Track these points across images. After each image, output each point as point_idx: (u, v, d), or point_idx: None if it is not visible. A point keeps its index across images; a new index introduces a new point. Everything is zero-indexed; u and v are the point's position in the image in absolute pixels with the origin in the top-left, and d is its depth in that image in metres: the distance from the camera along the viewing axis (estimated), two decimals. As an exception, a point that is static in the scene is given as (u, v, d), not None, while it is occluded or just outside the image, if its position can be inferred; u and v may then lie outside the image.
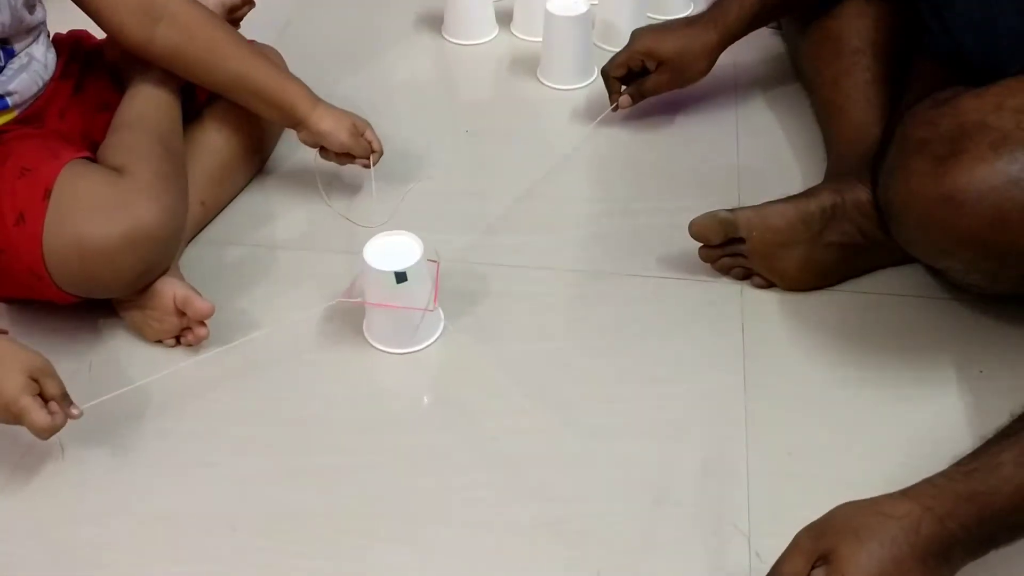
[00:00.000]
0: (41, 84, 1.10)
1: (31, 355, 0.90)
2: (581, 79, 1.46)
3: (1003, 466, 0.76)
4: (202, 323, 1.05)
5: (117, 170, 1.04)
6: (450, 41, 1.56)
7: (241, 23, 1.29)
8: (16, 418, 0.88)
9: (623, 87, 1.32)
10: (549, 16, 1.42)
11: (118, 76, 1.19)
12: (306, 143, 1.20)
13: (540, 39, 1.47)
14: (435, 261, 1.05)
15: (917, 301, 1.11)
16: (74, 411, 0.91)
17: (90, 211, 0.97)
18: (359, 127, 1.19)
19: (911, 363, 1.05)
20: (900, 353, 1.06)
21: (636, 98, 1.32)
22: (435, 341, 1.08)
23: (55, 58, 1.14)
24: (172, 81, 1.16)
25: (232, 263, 1.19)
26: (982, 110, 0.90)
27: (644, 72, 1.29)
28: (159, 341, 1.08)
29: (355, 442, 0.99)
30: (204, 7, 1.15)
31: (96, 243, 0.97)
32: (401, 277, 1.01)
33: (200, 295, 1.04)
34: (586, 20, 1.42)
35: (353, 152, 1.18)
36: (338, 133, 1.17)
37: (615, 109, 1.33)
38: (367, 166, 1.20)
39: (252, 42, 1.19)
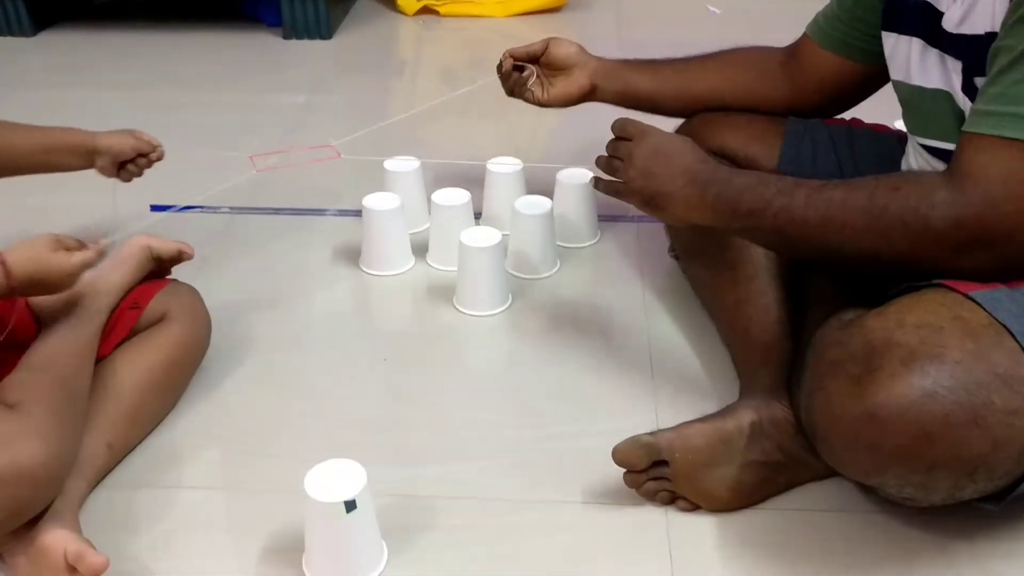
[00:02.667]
0: None
1: (42, 240, 1.08)
2: (496, 306, 1.49)
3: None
4: None
5: (11, 407, 1.00)
6: (368, 273, 1.59)
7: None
8: (72, 273, 1.09)
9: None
10: (463, 247, 1.46)
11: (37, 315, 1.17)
12: (105, 170, 1.40)
13: (455, 268, 1.51)
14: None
15: (843, 516, 1.11)
16: (101, 243, 1.13)
17: None
18: (135, 132, 1.41)
19: (842, 581, 1.04)
20: (829, 570, 1.05)
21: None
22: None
23: None
24: (88, 325, 1.15)
25: (141, 508, 1.13)
26: (887, 328, 0.94)
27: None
28: None
29: None
30: None
31: None
32: (351, 506, 0.98)
33: (94, 548, 0.99)
34: (499, 249, 1.46)
35: (143, 151, 1.41)
36: (124, 140, 1.40)
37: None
38: (159, 158, 1.43)
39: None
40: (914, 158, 1.21)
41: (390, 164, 1.67)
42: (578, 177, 1.63)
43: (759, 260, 1.28)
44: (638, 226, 1.71)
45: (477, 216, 1.65)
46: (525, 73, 1.49)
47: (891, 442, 0.90)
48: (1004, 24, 0.98)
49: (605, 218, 1.70)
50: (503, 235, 1.49)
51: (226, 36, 2.70)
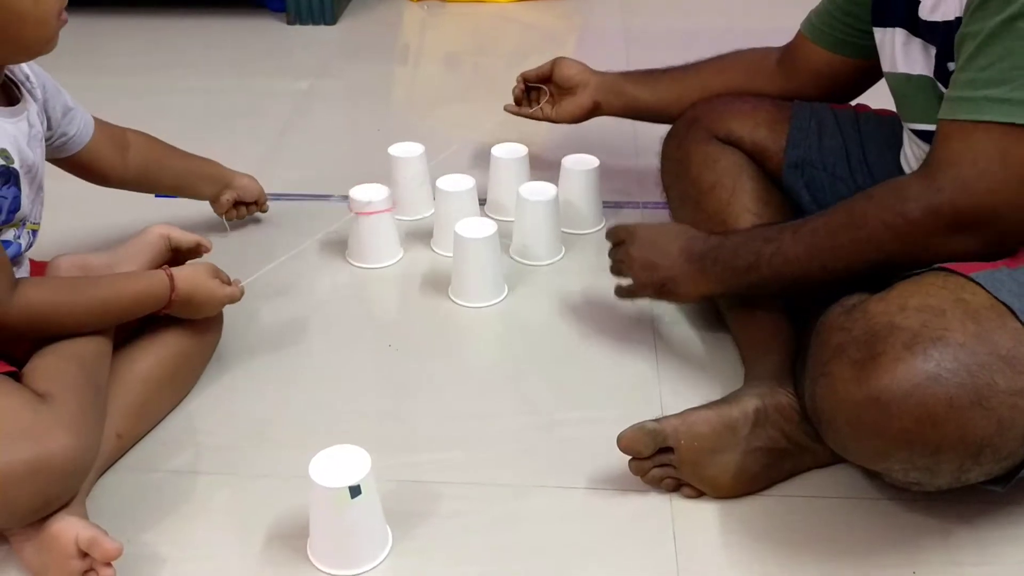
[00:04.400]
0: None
1: (204, 267, 1.22)
2: (490, 298, 1.48)
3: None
4: (108, 563, 0.99)
5: (41, 395, 1.01)
6: (355, 265, 1.57)
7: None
8: (219, 303, 1.24)
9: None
10: (458, 238, 1.44)
11: None
12: (222, 204, 1.57)
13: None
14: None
15: (847, 503, 1.11)
16: (241, 285, 1.27)
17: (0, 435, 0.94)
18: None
19: (844, 566, 1.04)
20: (833, 556, 1.05)
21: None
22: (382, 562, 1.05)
23: None
24: None
25: (148, 492, 1.14)
26: (889, 312, 0.94)
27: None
28: None
29: None
30: (147, 134, 1.47)
31: None
32: (356, 491, 0.98)
33: (107, 534, 0.99)
34: (494, 240, 1.44)
35: (260, 199, 1.61)
36: (254, 185, 1.60)
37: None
38: (265, 210, 1.64)
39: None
40: (908, 145, 1.24)
41: (395, 150, 1.67)
42: (583, 163, 1.63)
43: None
44: (643, 212, 1.71)
45: (482, 202, 1.64)
46: (537, 95, 1.63)
47: (896, 426, 0.90)
48: (967, 9, 1.00)
49: (610, 204, 1.70)
50: (507, 221, 1.48)
51: (230, 21, 2.70)
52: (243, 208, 1.60)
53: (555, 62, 1.61)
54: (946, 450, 0.92)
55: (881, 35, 1.21)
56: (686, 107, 1.47)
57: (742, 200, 1.32)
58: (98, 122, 1.36)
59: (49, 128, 1.25)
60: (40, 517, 0.99)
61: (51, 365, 1.07)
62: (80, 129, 1.32)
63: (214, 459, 1.20)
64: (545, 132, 1.99)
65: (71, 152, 1.32)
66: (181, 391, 1.27)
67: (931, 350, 0.90)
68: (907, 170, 1.24)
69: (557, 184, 1.59)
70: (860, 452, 0.98)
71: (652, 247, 1.22)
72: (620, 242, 1.26)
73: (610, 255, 1.28)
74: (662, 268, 1.20)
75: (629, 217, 1.69)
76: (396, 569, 1.04)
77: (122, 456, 1.17)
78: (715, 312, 1.40)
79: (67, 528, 0.98)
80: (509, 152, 1.66)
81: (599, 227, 1.66)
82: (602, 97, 1.57)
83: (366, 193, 1.52)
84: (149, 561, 1.04)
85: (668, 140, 1.49)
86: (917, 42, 1.13)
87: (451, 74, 2.46)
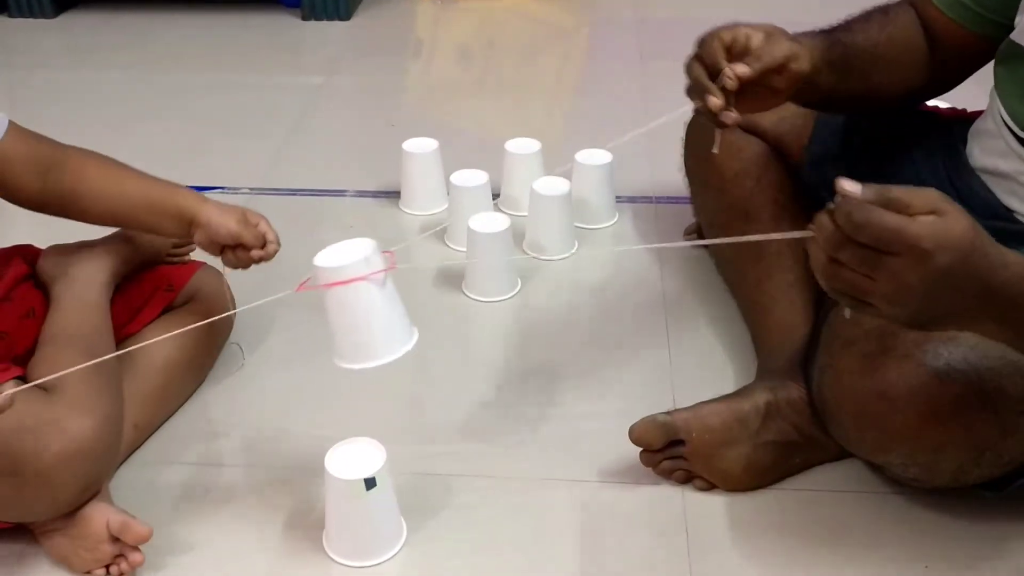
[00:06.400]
0: None
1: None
2: (505, 291, 1.49)
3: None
4: (137, 548, 1.01)
5: (47, 390, 1.02)
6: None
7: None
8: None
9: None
10: (471, 232, 1.45)
11: (44, 286, 1.17)
12: (202, 245, 1.18)
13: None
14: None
15: (857, 496, 1.11)
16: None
17: (20, 432, 0.95)
18: (251, 218, 1.18)
19: (856, 560, 1.04)
20: (844, 550, 1.06)
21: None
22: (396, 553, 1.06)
23: None
24: (96, 285, 1.15)
25: (165, 484, 1.15)
26: None
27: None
28: (87, 573, 1.02)
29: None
30: (101, 157, 1.17)
31: (31, 465, 0.94)
32: (371, 483, 0.99)
33: (135, 518, 1.01)
34: (507, 235, 1.45)
35: (243, 240, 1.16)
36: (226, 221, 1.15)
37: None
38: (263, 257, 1.18)
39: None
40: (1004, 148, 1.06)
41: (409, 145, 1.68)
42: (596, 158, 1.63)
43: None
44: (656, 207, 1.71)
45: (495, 197, 1.65)
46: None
47: (900, 421, 0.91)
48: None
49: (623, 199, 1.71)
50: (521, 216, 1.49)
51: (245, 17, 2.71)
52: (230, 254, 1.18)
53: (769, 36, 1.04)
54: (948, 449, 0.92)
55: None
56: (860, 107, 1.21)
57: (768, 191, 1.30)
58: (22, 131, 1.11)
59: None
60: (86, 499, 1.01)
61: (49, 356, 1.07)
62: None
63: (229, 451, 1.21)
64: (559, 127, 1.99)
65: None
66: (195, 380, 1.28)
67: (941, 349, 0.90)
68: (983, 168, 1.11)
69: (570, 179, 1.59)
70: (862, 444, 0.98)
71: (944, 280, 0.71)
72: (882, 249, 0.70)
73: (846, 256, 0.72)
74: (941, 305, 0.74)
75: (643, 212, 1.70)
76: (411, 560, 1.06)
77: (140, 447, 1.19)
78: (728, 305, 1.40)
79: (97, 513, 1.01)
80: (522, 147, 1.66)
81: (612, 222, 1.67)
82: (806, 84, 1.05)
83: (331, 257, 1.06)
84: (167, 552, 1.06)
85: (691, 126, 1.47)
86: None
87: (464, 69, 2.46)
